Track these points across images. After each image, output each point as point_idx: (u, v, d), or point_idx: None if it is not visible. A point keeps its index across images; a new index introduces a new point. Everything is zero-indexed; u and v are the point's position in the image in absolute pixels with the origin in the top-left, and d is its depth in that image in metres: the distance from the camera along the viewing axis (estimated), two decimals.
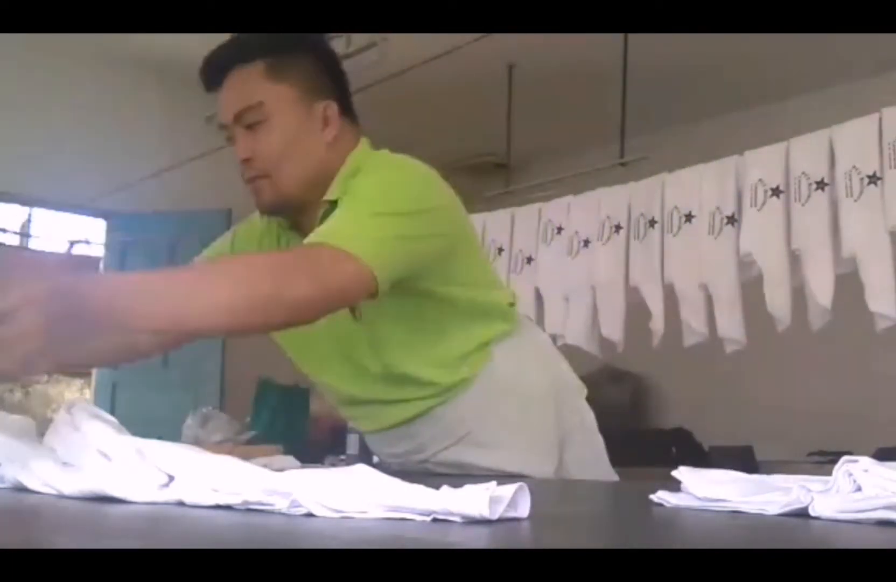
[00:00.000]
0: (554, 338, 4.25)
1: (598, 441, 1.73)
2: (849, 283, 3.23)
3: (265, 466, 0.98)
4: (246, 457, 1.07)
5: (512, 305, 1.67)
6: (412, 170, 1.54)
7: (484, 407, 1.59)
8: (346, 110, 1.57)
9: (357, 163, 1.54)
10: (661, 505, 0.96)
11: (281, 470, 0.94)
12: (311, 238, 1.37)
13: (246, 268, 1.30)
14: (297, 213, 1.55)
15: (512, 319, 1.65)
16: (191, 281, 1.28)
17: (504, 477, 0.92)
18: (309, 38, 1.59)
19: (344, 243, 1.31)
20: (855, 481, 0.83)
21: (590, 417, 1.73)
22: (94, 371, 5.63)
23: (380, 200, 1.42)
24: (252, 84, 1.49)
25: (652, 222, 3.82)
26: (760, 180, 3.44)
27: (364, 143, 1.59)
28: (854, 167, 3.16)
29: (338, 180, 1.51)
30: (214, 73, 1.53)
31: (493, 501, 0.75)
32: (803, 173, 3.31)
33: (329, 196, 1.50)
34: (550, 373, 1.68)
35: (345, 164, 1.54)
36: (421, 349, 1.56)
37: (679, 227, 3.72)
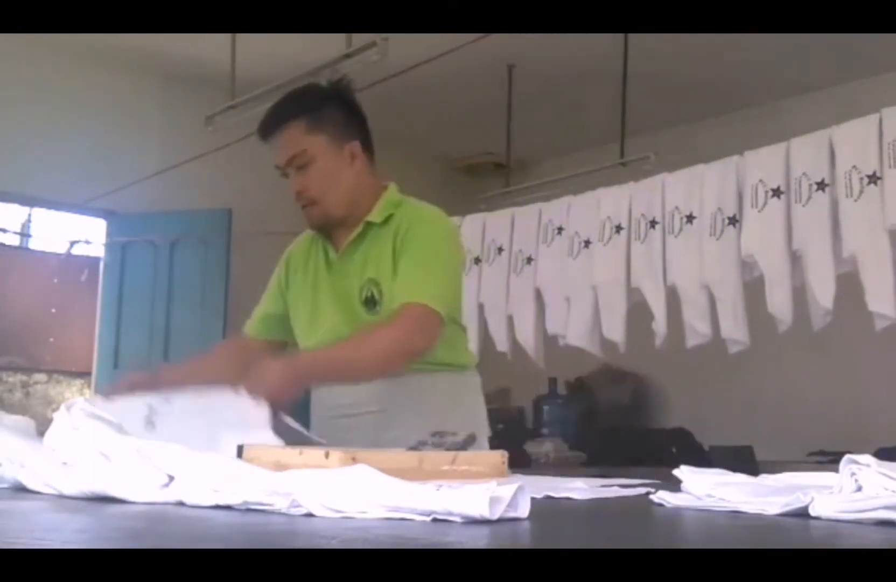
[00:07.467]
0: (555, 338, 4.26)
1: None
2: (849, 283, 3.23)
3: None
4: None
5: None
6: (449, 224, 2.09)
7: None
8: (367, 146, 2.03)
9: (394, 197, 2.03)
10: (661, 505, 0.96)
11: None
12: (406, 293, 1.88)
13: (395, 333, 1.86)
14: (335, 228, 2.03)
15: (469, 358, 2.16)
16: (367, 348, 1.87)
17: None
18: (338, 94, 2.04)
19: (431, 302, 1.87)
20: (857, 481, 0.83)
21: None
22: (94, 370, 5.64)
23: (444, 255, 1.96)
24: (298, 137, 1.96)
25: (653, 223, 3.81)
26: (761, 181, 3.44)
27: (392, 186, 2.08)
28: (854, 167, 3.16)
29: (381, 206, 2.00)
30: (269, 129, 2.00)
31: (493, 501, 0.74)
32: (803, 174, 3.31)
33: (375, 218, 1.99)
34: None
35: (383, 194, 2.03)
36: None
37: (680, 229, 3.72)
